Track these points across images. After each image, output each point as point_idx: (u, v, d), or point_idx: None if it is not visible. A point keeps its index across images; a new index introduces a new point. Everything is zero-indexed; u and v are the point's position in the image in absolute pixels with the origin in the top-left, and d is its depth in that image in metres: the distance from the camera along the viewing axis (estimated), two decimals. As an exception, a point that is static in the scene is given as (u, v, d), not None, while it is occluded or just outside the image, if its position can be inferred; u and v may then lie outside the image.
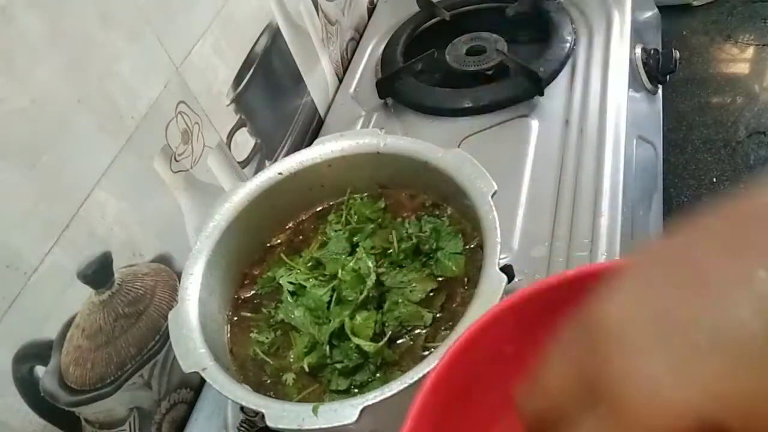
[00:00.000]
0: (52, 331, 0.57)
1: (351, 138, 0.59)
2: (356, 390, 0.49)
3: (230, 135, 0.82)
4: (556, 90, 0.91)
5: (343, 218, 0.59)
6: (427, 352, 0.49)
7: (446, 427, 0.33)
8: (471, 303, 0.43)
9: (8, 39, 0.52)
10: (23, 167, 0.54)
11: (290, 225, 0.63)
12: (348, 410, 0.40)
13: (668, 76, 1.05)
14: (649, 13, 1.20)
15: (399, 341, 0.52)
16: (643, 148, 0.92)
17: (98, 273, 0.61)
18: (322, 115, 1.04)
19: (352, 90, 1.05)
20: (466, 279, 0.54)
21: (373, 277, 0.52)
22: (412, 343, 0.51)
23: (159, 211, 0.69)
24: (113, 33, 0.63)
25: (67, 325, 0.59)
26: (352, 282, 0.52)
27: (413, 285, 0.53)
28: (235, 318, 0.57)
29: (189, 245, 0.71)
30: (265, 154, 0.89)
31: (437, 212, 0.59)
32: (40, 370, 0.56)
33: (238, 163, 0.84)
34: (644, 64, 1.00)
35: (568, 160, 0.80)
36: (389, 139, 0.58)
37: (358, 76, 1.08)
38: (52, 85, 0.56)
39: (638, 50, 0.99)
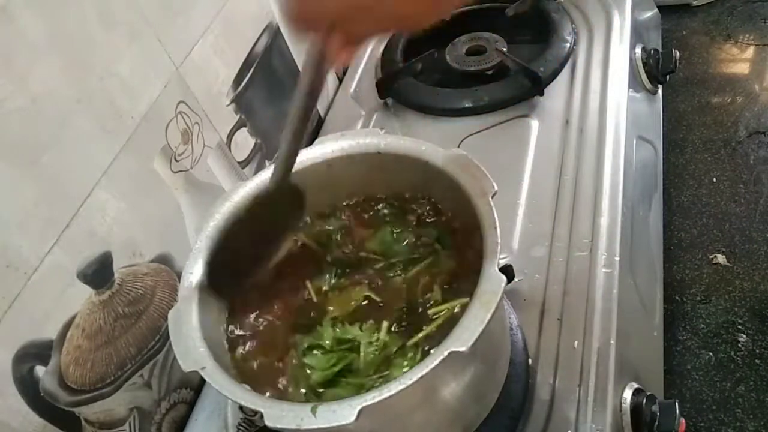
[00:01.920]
0: (52, 331, 0.57)
1: (351, 138, 0.59)
2: None
3: (230, 135, 0.82)
4: (556, 90, 0.91)
5: None
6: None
7: None
8: (470, 304, 0.43)
9: (8, 39, 0.52)
10: (23, 167, 0.54)
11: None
12: (347, 410, 0.40)
13: (668, 76, 1.05)
14: (649, 13, 1.20)
15: None
16: (643, 148, 0.92)
17: (98, 273, 0.61)
18: (322, 115, 1.04)
19: (352, 90, 1.05)
20: None
21: None
22: None
23: (159, 211, 0.70)
24: (113, 33, 0.63)
25: (67, 325, 0.59)
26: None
27: None
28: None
29: (189, 245, 0.71)
30: (265, 154, 0.89)
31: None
32: (40, 370, 0.57)
33: (238, 163, 0.84)
34: (644, 64, 1.00)
35: (568, 160, 0.80)
36: (389, 139, 0.57)
37: (358, 76, 1.08)
38: (52, 85, 0.56)
39: (638, 50, 0.99)
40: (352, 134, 0.60)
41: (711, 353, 0.97)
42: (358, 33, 0.39)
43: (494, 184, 0.49)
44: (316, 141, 0.60)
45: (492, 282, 0.44)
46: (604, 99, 0.87)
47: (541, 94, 0.89)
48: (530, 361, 0.62)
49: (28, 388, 0.55)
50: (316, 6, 0.35)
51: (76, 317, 0.59)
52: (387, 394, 0.40)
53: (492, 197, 0.49)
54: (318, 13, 0.36)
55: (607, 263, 0.68)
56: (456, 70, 0.97)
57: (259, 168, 0.87)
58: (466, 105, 0.91)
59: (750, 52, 1.42)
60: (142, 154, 0.67)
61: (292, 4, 0.36)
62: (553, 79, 0.92)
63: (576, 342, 0.63)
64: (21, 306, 0.54)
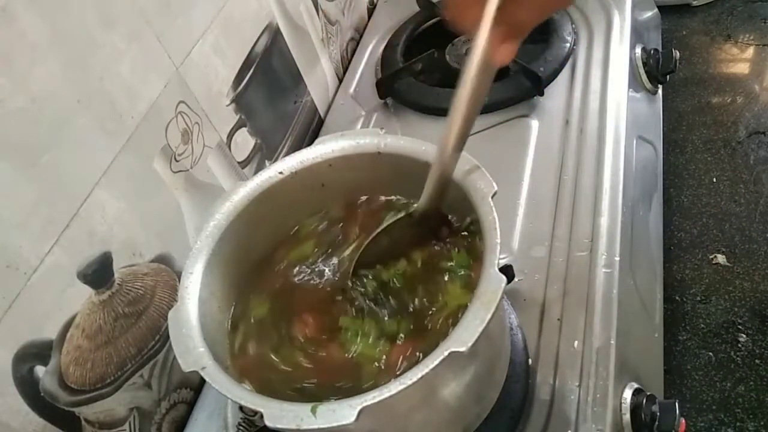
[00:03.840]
0: (52, 331, 0.57)
1: (351, 138, 0.59)
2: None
3: (230, 135, 0.82)
4: (556, 90, 0.91)
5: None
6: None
7: None
8: (470, 304, 0.43)
9: (8, 39, 0.52)
10: (23, 167, 0.54)
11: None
12: (346, 410, 0.40)
13: (668, 76, 1.05)
14: (649, 13, 1.20)
15: None
16: (643, 148, 0.92)
17: (98, 273, 0.61)
18: (322, 115, 1.04)
19: (352, 90, 1.05)
20: None
21: None
22: None
23: (159, 211, 0.70)
24: (113, 33, 0.63)
25: (67, 325, 0.59)
26: None
27: None
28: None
29: (189, 245, 0.71)
30: (265, 154, 0.89)
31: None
32: (40, 370, 0.57)
33: (238, 163, 0.84)
34: (644, 64, 1.00)
35: (568, 160, 0.80)
36: (389, 139, 0.57)
37: (358, 76, 1.08)
38: (52, 85, 0.56)
39: (638, 50, 0.99)
40: (353, 134, 0.60)
41: (711, 353, 0.97)
42: (521, 20, 0.37)
43: (494, 184, 0.49)
44: (317, 141, 0.60)
45: (492, 282, 0.44)
46: (604, 99, 0.87)
47: (541, 94, 0.89)
48: (530, 361, 0.62)
49: (28, 388, 0.55)
50: None
51: (76, 317, 0.59)
52: (387, 394, 0.40)
53: (492, 197, 0.49)
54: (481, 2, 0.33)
55: (607, 263, 0.68)
56: (456, 70, 0.97)
57: (259, 168, 0.87)
58: (466, 105, 0.91)
59: (750, 52, 1.42)
60: (142, 154, 0.67)
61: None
62: (553, 79, 0.92)
63: (576, 342, 0.63)
64: (21, 306, 0.54)
